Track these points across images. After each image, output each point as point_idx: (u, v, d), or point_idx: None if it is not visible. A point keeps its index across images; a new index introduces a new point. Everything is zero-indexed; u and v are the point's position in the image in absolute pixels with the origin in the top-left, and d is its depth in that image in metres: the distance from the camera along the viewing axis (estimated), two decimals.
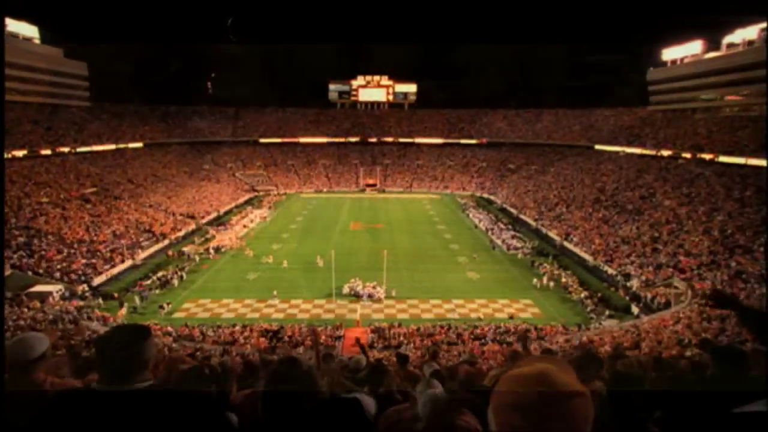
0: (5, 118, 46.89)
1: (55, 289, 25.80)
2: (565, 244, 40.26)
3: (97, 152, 57.89)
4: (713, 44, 55.45)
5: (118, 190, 48.68)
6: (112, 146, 62.10)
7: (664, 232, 34.52)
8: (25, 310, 21.66)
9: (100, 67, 70.44)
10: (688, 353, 11.54)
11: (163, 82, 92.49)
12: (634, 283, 28.95)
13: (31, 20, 58.65)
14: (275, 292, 28.62)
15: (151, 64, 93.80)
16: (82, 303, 25.44)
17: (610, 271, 32.23)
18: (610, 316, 25.42)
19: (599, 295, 28.09)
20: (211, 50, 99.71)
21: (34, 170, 45.27)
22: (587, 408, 1.10)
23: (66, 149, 53.69)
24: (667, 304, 25.17)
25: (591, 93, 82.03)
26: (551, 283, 30.83)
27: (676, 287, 26.44)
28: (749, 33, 49.02)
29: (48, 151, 50.88)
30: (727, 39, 52.46)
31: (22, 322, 19.34)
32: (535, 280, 31.38)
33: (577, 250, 38.10)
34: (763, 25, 47.19)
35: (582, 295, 28.33)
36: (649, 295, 26.88)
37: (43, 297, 24.39)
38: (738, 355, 2.94)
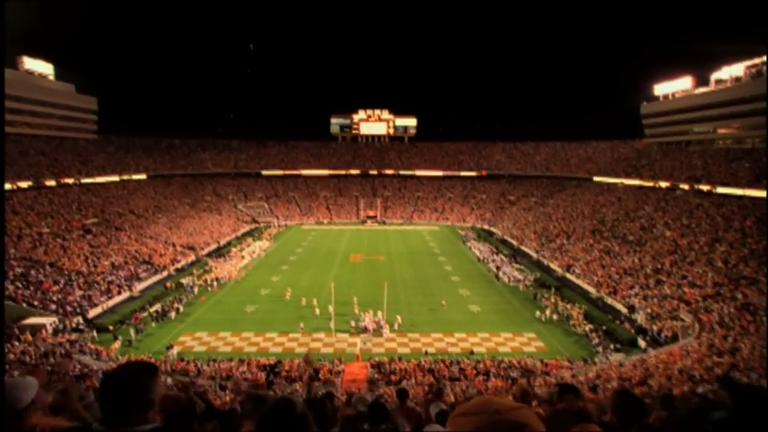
0: (7, 143, 47.56)
1: (48, 321, 25.31)
2: (567, 275, 39.86)
3: (100, 183, 58.50)
4: (702, 80, 57.58)
5: (119, 221, 48.78)
6: (116, 177, 62.82)
7: (666, 263, 34.23)
8: (16, 343, 21.17)
9: (110, 101, 72.55)
10: (700, 389, 11.15)
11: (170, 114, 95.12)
12: (640, 316, 28.42)
13: (47, 58, 61.25)
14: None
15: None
16: (75, 336, 24.91)
17: (614, 303, 31.74)
18: (617, 350, 24.77)
19: (604, 328, 27.50)
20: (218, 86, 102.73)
21: (38, 201, 45.58)
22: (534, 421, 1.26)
23: (70, 180, 54.27)
24: (675, 338, 24.59)
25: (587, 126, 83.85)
26: (554, 316, 30.26)
27: (682, 320, 25.94)
28: (735, 70, 51.34)
29: (53, 182, 51.41)
30: (715, 75, 54.53)
31: (12, 356, 18.84)
32: (538, 312, 30.83)
33: (579, 281, 37.67)
34: (749, 62, 49.24)
35: (586, 328, 27.74)
36: (655, 328, 26.31)
37: (35, 329, 23.89)
38: (764, 396, 2.73)
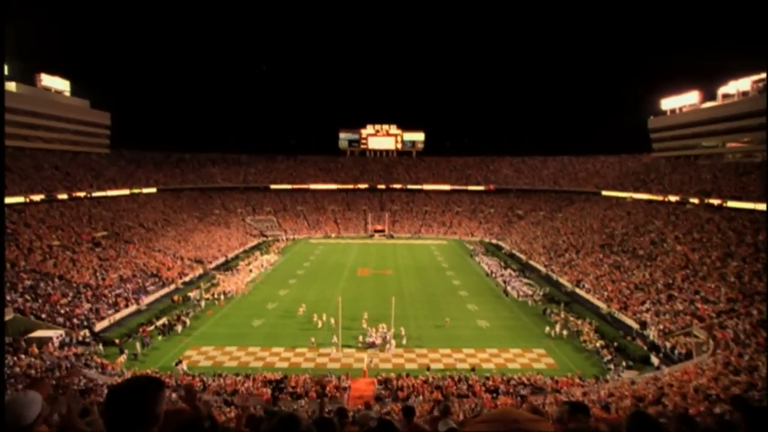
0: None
1: (55, 334, 25.37)
2: (577, 290, 39.30)
3: (111, 197, 59.27)
4: (709, 95, 57.48)
5: (128, 234, 49.21)
6: (127, 191, 63.64)
7: (678, 278, 33.64)
8: (23, 356, 21.21)
9: (123, 116, 73.90)
10: (717, 410, 10.80)
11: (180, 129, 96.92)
12: (652, 332, 27.83)
13: (64, 75, 62.97)
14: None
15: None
16: (81, 349, 24.91)
17: (625, 319, 31.15)
18: (629, 368, 24.20)
19: (615, 344, 26.93)
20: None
21: (49, 214, 46.20)
22: None
23: (82, 194, 55.03)
24: (689, 355, 24.00)
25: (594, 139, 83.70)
26: (564, 332, 29.74)
27: (696, 336, 25.33)
28: (742, 84, 51.27)
29: (64, 196, 52.16)
30: (722, 90, 54.42)
31: (17, 369, 18.83)
32: (547, 328, 30.33)
33: (589, 297, 37.11)
34: (755, 77, 49.13)
35: (597, 345, 27.19)
36: (668, 345, 25.72)
37: (42, 342, 23.96)
38: None
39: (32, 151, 57.01)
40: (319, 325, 30.25)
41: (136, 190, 65.74)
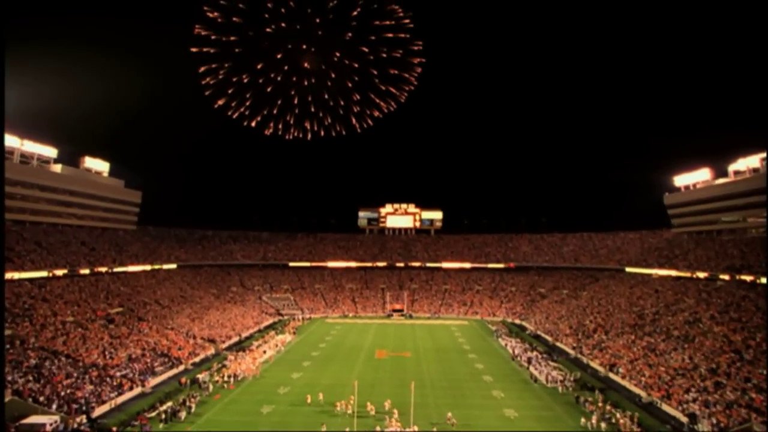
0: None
1: (49, 420, 23.88)
2: (611, 375, 36.13)
3: (132, 273, 60.08)
4: (720, 171, 58.47)
5: (143, 311, 48.84)
6: (148, 267, 64.60)
7: (722, 362, 30.75)
8: None
9: (152, 195, 77.89)
10: None
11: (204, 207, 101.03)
12: (704, 426, 24.72)
13: (105, 157, 68.16)
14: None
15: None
16: None
17: (670, 410, 28.00)
18: None
19: None
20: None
21: (69, 289, 46.63)
22: None
23: (104, 269, 56.01)
24: None
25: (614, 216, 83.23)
26: (603, 424, 26.64)
27: None
28: (751, 162, 52.14)
29: (87, 271, 53.12)
30: (732, 167, 55.35)
31: None
32: (583, 419, 27.28)
33: (625, 383, 33.93)
34: (764, 154, 49.96)
35: None
36: None
37: (35, 429, 22.56)
38: None
39: (63, 227, 59.60)
40: (349, 411, 27.69)
41: (157, 266, 66.78)
